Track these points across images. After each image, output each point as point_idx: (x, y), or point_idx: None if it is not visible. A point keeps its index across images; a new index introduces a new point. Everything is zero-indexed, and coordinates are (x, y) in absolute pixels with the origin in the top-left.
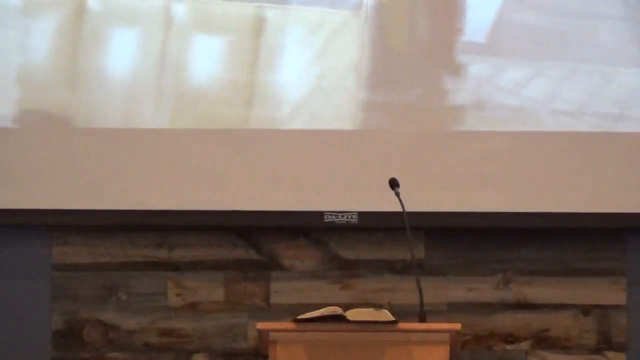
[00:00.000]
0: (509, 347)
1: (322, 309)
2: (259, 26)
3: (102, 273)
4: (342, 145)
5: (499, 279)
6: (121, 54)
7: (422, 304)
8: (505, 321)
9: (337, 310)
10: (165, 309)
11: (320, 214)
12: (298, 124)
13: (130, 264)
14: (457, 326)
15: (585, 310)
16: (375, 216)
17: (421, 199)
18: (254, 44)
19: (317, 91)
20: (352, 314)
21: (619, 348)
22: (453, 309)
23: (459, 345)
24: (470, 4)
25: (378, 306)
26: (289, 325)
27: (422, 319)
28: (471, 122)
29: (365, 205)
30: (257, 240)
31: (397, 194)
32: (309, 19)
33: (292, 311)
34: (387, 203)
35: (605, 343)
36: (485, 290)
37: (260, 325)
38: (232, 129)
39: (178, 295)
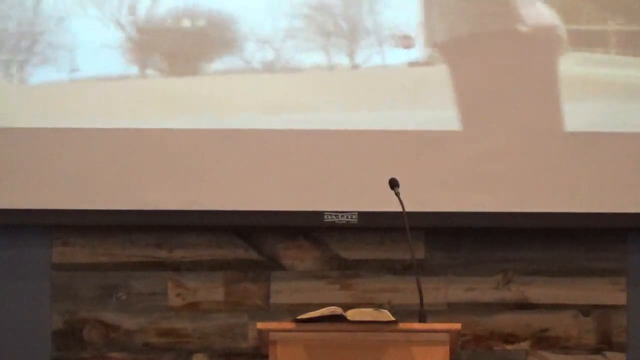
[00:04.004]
0: (509, 347)
1: (322, 309)
2: None
3: (102, 273)
4: (342, 145)
5: (499, 279)
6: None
7: (422, 304)
8: (505, 321)
9: (337, 310)
10: (165, 309)
11: (320, 214)
12: None
13: (130, 264)
14: (457, 326)
15: (585, 310)
16: (375, 216)
17: (421, 199)
18: None
19: None
20: (352, 314)
21: (619, 348)
22: (453, 309)
23: (459, 345)
24: None
25: (378, 306)
26: (289, 325)
27: (422, 319)
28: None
29: (365, 205)
30: (257, 240)
31: (397, 194)
32: None
33: (292, 311)
34: (387, 203)
35: (605, 343)
36: (485, 290)
37: (260, 325)
38: (232, 129)
39: (178, 295)
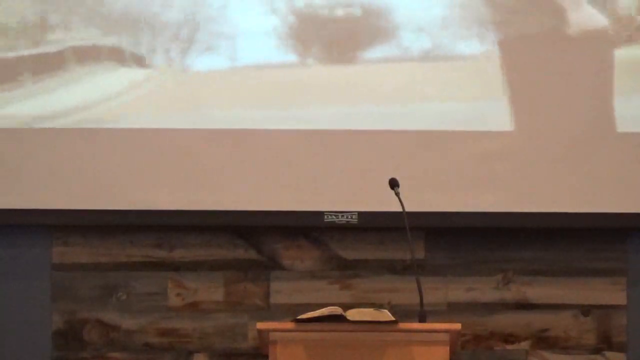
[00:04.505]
0: (509, 347)
1: (322, 309)
2: None
3: (102, 273)
4: (342, 145)
5: (499, 279)
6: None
7: (422, 304)
8: (505, 321)
9: (337, 310)
10: (165, 309)
11: (320, 214)
12: None
13: (130, 264)
14: (457, 326)
15: (585, 310)
16: (375, 216)
17: (421, 199)
18: None
19: None
20: (352, 314)
21: (619, 348)
22: (453, 309)
23: (459, 345)
24: None
25: (378, 306)
26: (289, 325)
27: (422, 319)
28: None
29: (365, 205)
30: (257, 240)
31: (397, 194)
32: None
33: (292, 311)
34: (387, 203)
35: (605, 343)
36: (485, 290)
37: (260, 325)
38: (232, 129)
39: (178, 295)
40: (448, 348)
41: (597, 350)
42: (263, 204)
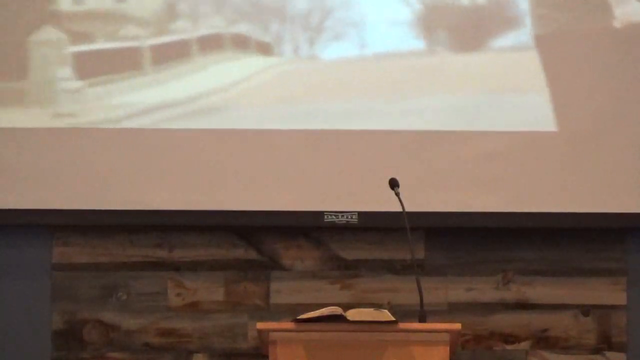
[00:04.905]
0: (509, 347)
1: (322, 309)
2: None
3: (102, 273)
4: (342, 145)
5: (499, 279)
6: None
7: (422, 304)
8: (505, 321)
9: (337, 310)
10: (165, 309)
11: (320, 214)
12: None
13: (130, 264)
14: (457, 326)
15: (585, 310)
16: (375, 216)
17: (421, 199)
18: None
19: None
20: (352, 314)
21: (619, 348)
22: (453, 309)
23: (459, 345)
24: None
25: (378, 306)
26: (289, 325)
27: (422, 319)
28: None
29: (365, 205)
30: (257, 240)
31: (397, 194)
32: None
33: (292, 311)
34: (387, 203)
35: (605, 343)
36: (485, 290)
37: (260, 325)
38: (232, 129)
39: (178, 295)
40: (448, 348)
41: (597, 350)
42: (263, 204)
